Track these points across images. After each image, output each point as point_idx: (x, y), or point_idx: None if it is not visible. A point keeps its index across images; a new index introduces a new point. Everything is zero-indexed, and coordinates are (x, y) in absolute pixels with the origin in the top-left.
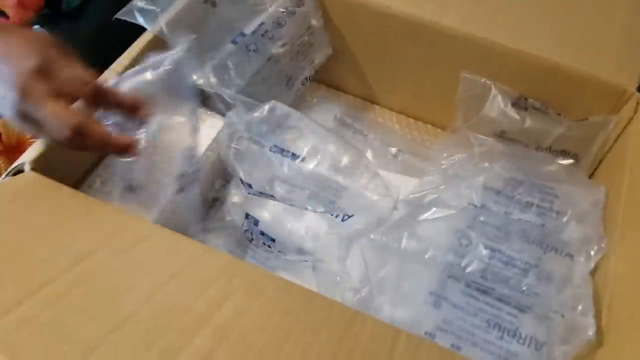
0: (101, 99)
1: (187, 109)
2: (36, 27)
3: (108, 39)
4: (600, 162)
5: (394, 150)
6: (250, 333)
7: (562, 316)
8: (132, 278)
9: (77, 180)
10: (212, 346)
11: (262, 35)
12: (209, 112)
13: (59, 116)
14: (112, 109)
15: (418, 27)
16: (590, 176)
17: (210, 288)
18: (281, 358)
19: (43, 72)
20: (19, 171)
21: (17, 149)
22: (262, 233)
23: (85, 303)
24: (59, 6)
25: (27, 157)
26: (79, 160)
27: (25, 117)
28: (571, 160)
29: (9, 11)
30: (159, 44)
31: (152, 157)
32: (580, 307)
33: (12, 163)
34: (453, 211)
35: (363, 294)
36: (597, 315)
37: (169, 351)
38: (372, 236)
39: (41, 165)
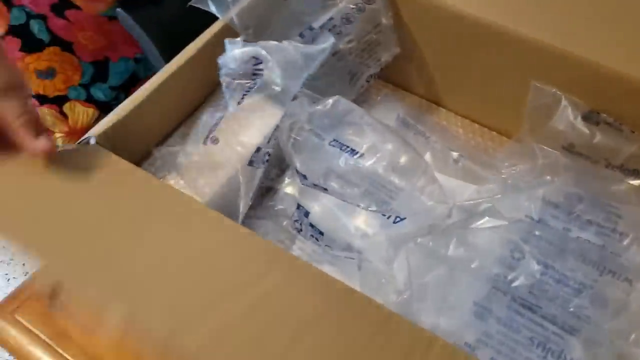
0: None
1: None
2: (119, 10)
3: (188, 24)
4: None
5: (455, 154)
6: (282, 313)
7: (612, 343)
8: (169, 251)
9: (142, 156)
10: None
11: (330, 30)
12: (270, 102)
13: None
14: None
15: (490, 32)
16: None
17: (247, 270)
18: (307, 341)
19: None
20: (86, 144)
21: (82, 133)
22: (312, 225)
23: None
24: None
25: (95, 131)
26: (145, 138)
27: None
28: None
29: (81, 3)
30: (231, 33)
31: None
32: (633, 336)
33: None
34: (506, 222)
35: (404, 297)
36: None
37: None
38: (418, 240)
39: (107, 140)
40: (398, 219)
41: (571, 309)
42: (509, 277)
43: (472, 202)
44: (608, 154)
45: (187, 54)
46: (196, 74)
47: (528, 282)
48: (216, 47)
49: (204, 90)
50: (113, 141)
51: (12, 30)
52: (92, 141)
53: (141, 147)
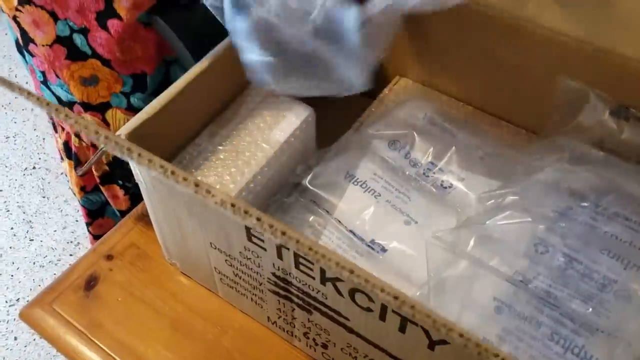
0: None
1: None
2: (153, 16)
3: (220, 28)
4: None
5: (481, 152)
6: None
7: (630, 345)
8: None
9: (171, 154)
10: None
11: None
12: (297, 101)
13: None
14: None
15: (516, 28)
16: None
17: None
18: None
19: None
20: None
21: None
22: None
23: None
24: None
25: (126, 128)
26: (173, 136)
27: None
28: None
29: (123, 12)
30: None
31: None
32: None
33: None
34: (529, 218)
35: (422, 292)
36: None
37: None
38: (439, 234)
39: (136, 138)
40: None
41: (595, 305)
42: (532, 272)
43: (497, 192)
44: (638, 149)
45: (215, 55)
46: (224, 74)
47: (551, 277)
48: None
49: (231, 89)
50: (142, 139)
51: (59, 40)
52: (122, 137)
53: (170, 144)
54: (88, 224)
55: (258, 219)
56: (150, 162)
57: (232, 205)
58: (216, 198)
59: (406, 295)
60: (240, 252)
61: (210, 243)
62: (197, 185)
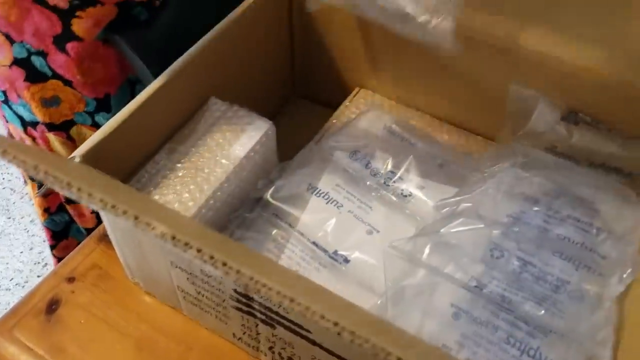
0: None
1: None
2: (111, 34)
3: (178, 45)
4: None
5: (440, 160)
6: None
7: (581, 344)
8: None
9: (130, 172)
10: None
11: None
12: (256, 115)
13: None
14: None
15: (469, 38)
16: None
17: None
18: None
19: None
20: None
21: None
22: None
23: None
24: (129, 13)
25: (80, 150)
26: (132, 155)
27: None
28: (625, 179)
29: (82, 33)
30: (217, 50)
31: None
32: (600, 336)
33: None
34: (482, 224)
35: (380, 302)
36: (615, 346)
37: None
38: (395, 244)
39: (93, 159)
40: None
41: (549, 306)
42: (488, 277)
43: (452, 199)
44: (589, 153)
45: (173, 70)
46: (182, 89)
47: (507, 281)
48: (201, 62)
49: (190, 105)
50: (99, 160)
51: (16, 62)
52: (77, 160)
53: (128, 163)
54: (52, 247)
55: (198, 251)
56: (90, 196)
57: (173, 237)
58: (156, 231)
59: (346, 321)
60: (201, 270)
61: (171, 262)
62: (136, 218)
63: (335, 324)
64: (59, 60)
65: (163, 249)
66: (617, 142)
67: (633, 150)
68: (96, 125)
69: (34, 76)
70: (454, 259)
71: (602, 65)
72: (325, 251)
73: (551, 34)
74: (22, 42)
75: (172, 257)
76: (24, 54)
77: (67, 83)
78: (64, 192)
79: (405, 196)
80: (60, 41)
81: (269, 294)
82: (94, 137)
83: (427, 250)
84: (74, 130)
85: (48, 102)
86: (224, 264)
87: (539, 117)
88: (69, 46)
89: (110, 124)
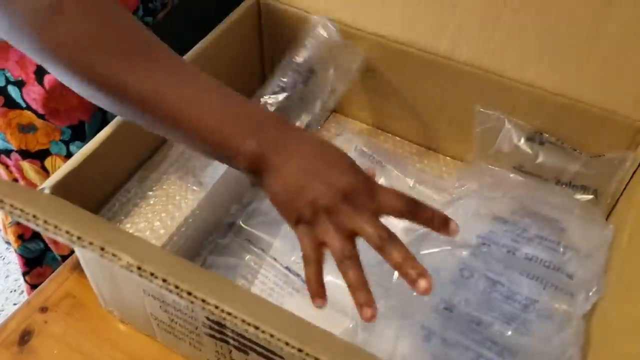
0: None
1: None
2: None
3: None
4: (618, 199)
5: (411, 181)
6: None
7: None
8: None
9: (102, 201)
10: None
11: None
12: None
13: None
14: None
15: (434, 63)
16: (610, 213)
17: None
18: None
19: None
20: None
21: None
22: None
23: None
24: None
25: (49, 182)
26: (102, 184)
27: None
28: (591, 196)
29: None
30: None
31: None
32: (568, 354)
33: None
34: (449, 247)
35: (351, 326)
36: None
37: None
38: (365, 270)
39: (63, 189)
40: None
41: (518, 326)
42: (457, 297)
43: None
44: (555, 172)
45: None
46: None
47: (476, 301)
48: None
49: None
50: (69, 190)
51: None
52: (46, 192)
53: (100, 192)
54: (24, 273)
55: (164, 280)
56: (56, 229)
57: (139, 268)
58: (122, 262)
59: (311, 347)
60: (173, 299)
61: (144, 290)
62: (102, 249)
63: (300, 350)
64: (33, 93)
65: (135, 277)
66: (582, 161)
67: (597, 168)
68: (70, 156)
69: (11, 104)
70: None
71: (565, 87)
72: (298, 275)
73: (515, 57)
74: (3, 69)
75: (144, 286)
76: (3, 82)
77: (40, 116)
78: (30, 225)
79: None
80: (40, 72)
81: (234, 322)
82: (64, 168)
83: (395, 275)
84: (48, 161)
85: (25, 128)
86: (189, 294)
87: (505, 138)
88: (47, 79)
89: (80, 154)
